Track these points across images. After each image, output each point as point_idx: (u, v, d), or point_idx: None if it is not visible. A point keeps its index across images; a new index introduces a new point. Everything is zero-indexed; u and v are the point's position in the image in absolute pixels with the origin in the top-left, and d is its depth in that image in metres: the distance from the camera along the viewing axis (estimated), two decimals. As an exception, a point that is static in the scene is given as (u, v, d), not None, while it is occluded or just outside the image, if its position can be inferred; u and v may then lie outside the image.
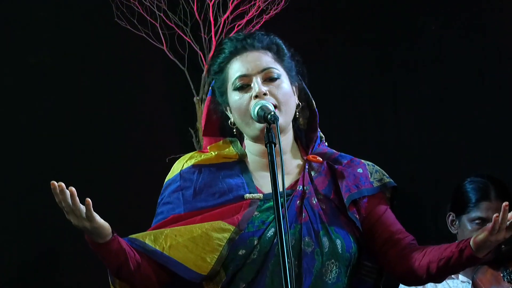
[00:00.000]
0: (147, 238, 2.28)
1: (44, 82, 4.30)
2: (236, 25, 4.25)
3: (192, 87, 4.26)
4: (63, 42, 4.31)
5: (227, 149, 2.39)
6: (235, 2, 4.24)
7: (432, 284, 3.60)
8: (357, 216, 2.31)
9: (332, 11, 4.48)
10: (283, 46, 2.39)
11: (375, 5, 4.48)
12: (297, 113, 2.37)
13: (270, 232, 2.25)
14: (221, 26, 4.25)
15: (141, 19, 4.25)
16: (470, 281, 3.41)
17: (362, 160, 2.43)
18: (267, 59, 2.32)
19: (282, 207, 2.09)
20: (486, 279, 3.27)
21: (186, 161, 2.39)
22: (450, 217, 3.60)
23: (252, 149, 2.37)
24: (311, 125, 2.44)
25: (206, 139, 2.45)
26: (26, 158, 4.29)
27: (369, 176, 2.37)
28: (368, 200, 2.35)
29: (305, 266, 2.23)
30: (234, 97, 2.32)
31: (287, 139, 2.36)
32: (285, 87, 2.32)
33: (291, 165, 2.37)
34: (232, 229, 2.23)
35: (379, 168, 2.41)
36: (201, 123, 4.16)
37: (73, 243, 4.13)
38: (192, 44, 4.26)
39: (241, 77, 2.31)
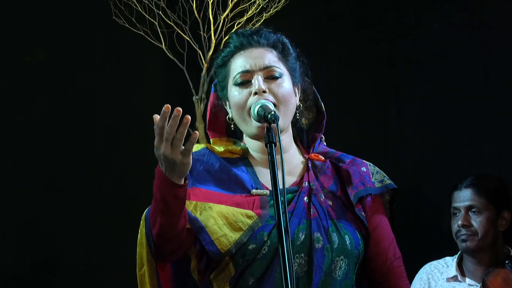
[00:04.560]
0: None
1: (40, 81, 4.27)
2: (236, 24, 4.22)
3: (191, 86, 4.23)
4: (59, 40, 4.29)
5: (231, 146, 2.39)
6: (234, 0, 4.21)
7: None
8: (364, 214, 2.33)
9: (333, 8, 4.45)
10: (289, 46, 2.39)
11: (377, 2, 4.46)
12: (297, 114, 2.37)
13: None
14: (220, 25, 4.22)
15: (140, 17, 4.23)
16: (478, 285, 3.40)
17: (364, 160, 2.43)
18: (270, 57, 2.32)
19: (283, 204, 2.07)
20: (497, 282, 3.27)
21: (196, 145, 2.38)
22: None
23: (252, 146, 2.37)
24: (316, 125, 2.44)
25: (210, 134, 2.45)
26: (24, 158, 4.26)
27: (371, 176, 2.39)
28: (371, 200, 2.36)
29: (315, 262, 2.22)
30: (234, 92, 2.31)
31: (286, 139, 2.35)
32: (286, 86, 2.31)
33: (293, 163, 2.36)
34: (255, 218, 2.22)
35: (379, 169, 2.43)
36: (200, 122, 4.15)
37: (70, 249, 4.11)
38: (191, 42, 4.23)
39: (243, 72, 2.31)
